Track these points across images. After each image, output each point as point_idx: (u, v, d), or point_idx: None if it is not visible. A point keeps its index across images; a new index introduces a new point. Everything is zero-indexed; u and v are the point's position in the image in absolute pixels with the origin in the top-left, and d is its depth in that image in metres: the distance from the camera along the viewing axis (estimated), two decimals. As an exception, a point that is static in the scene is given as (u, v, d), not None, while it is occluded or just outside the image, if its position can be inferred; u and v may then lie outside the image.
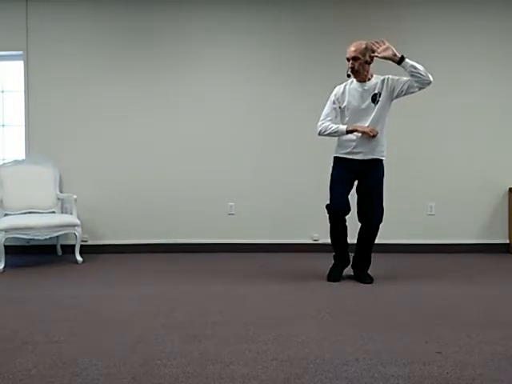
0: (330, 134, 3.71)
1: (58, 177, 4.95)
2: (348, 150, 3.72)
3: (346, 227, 3.84)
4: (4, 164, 4.92)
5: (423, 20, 5.04)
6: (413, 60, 3.47)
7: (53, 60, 5.05)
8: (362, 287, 3.62)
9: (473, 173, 5.06)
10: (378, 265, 4.20)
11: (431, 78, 3.53)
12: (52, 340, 2.53)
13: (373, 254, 3.89)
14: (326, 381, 2.05)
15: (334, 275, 3.82)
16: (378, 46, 3.52)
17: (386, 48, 3.49)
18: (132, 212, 5.10)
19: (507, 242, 5.05)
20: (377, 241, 4.91)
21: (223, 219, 5.12)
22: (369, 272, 3.85)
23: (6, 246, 4.30)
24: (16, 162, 4.91)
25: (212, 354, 2.33)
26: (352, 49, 3.61)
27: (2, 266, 4.24)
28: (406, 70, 3.50)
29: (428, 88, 5.14)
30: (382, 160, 3.75)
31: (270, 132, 5.07)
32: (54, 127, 5.06)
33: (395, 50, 3.47)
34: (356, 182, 3.81)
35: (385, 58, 3.49)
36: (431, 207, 5.08)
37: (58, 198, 4.92)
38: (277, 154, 5.06)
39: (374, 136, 3.59)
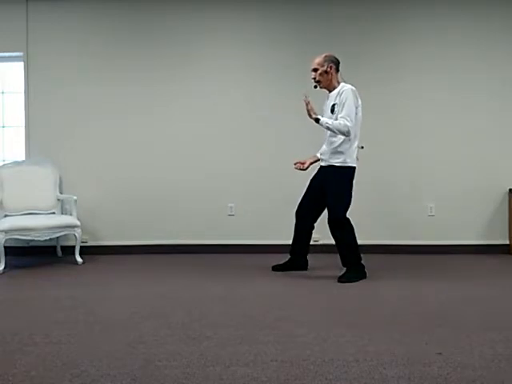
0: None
1: (57, 178, 4.95)
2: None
3: (303, 231, 4.06)
4: (4, 165, 4.92)
5: (424, 21, 5.05)
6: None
7: (53, 61, 5.06)
8: (362, 288, 3.62)
9: (473, 174, 5.06)
10: (378, 265, 4.20)
11: (341, 133, 3.72)
12: (52, 341, 2.52)
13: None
14: (326, 382, 2.05)
15: (275, 267, 4.18)
16: (306, 101, 3.75)
17: (307, 109, 3.74)
18: (132, 213, 5.10)
19: (507, 242, 5.05)
20: (377, 241, 4.97)
21: (223, 220, 5.12)
22: (353, 277, 3.80)
23: (5, 247, 4.30)
24: (16, 163, 4.91)
25: (212, 355, 2.33)
26: (314, 61, 3.86)
27: (2, 267, 4.24)
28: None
29: (427, 89, 5.18)
30: (338, 166, 3.84)
31: (271, 132, 5.08)
32: (54, 128, 5.06)
33: (313, 113, 3.74)
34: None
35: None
36: (431, 208, 5.08)
37: (58, 199, 4.92)
38: (277, 154, 5.06)
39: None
